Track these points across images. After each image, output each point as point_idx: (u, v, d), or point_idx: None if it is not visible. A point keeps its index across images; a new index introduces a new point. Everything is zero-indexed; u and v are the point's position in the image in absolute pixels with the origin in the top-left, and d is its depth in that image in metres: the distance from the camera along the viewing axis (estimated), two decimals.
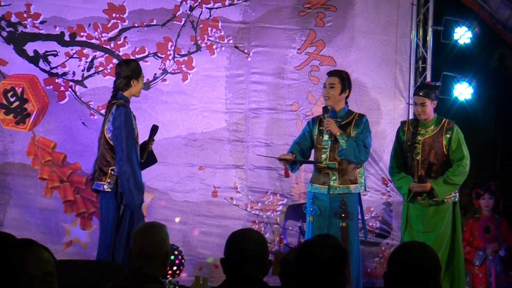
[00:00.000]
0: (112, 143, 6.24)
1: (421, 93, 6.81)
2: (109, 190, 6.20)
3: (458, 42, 8.39)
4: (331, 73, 6.81)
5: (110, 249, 6.18)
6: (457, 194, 6.87)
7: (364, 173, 6.74)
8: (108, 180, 6.21)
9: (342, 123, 6.68)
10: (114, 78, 7.62)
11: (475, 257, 7.97)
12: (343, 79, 6.71)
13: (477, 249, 7.97)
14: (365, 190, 6.83)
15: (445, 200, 6.76)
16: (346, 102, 6.79)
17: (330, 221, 6.52)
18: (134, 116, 6.45)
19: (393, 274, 2.78)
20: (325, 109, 6.70)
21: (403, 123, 7.10)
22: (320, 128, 6.73)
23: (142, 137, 6.56)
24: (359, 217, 6.76)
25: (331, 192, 6.58)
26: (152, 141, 6.50)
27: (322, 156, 6.68)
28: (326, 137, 6.65)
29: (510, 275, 7.89)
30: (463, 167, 6.71)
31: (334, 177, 6.60)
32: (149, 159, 6.56)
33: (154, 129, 6.53)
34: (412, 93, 7.68)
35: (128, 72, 6.40)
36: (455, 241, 6.79)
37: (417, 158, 6.79)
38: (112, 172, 6.21)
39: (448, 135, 6.78)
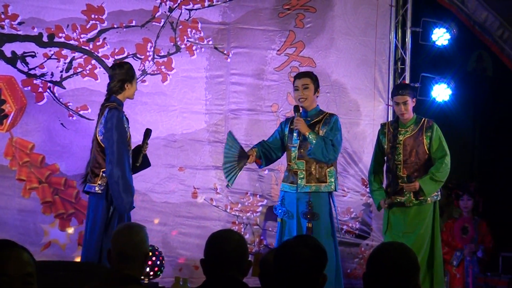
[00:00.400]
0: (103, 146, 6.22)
1: (402, 92, 6.86)
2: (100, 192, 6.19)
3: (436, 44, 8.44)
4: (302, 75, 6.83)
5: (97, 250, 6.17)
6: (439, 193, 6.90)
7: (334, 173, 6.69)
8: (99, 182, 6.20)
9: (312, 122, 6.68)
10: (93, 79, 7.66)
11: (452, 257, 8.02)
12: (314, 79, 6.78)
13: (455, 249, 8.02)
14: (336, 190, 6.74)
15: (428, 199, 6.79)
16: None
17: (298, 221, 6.52)
18: (127, 119, 6.41)
19: (372, 275, 2.79)
20: (296, 108, 6.72)
21: (383, 125, 7.13)
22: (290, 127, 6.76)
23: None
24: (335, 216, 6.73)
25: (298, 191, 6.57)
26: (146, 145, 6.47)
27: (292, 154, 6.70)
28: (295, 135, 6.67)
29: (488, 276, 7.95)
30: (446, 164, 6.76)
31: (301, 176, 6.59)
32: (143, 163, 6.53)
33: (147, 133, 6.49)
34: (391, 94, 7.68)
35: (122, 75, 6.36)
36: (434, 242, 6.82)
37: (399, 159, 6.82)
38: (104, 174, 6.20)
39: (428, 134, 6.82)
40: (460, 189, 7.98)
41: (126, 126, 6.26)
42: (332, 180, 6.61)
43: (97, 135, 6.29)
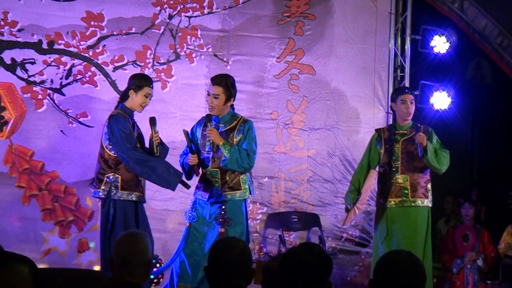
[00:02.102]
0: (108, 152, 6.21)
1: (409, 92, 6.89)
2: (103, 197, 6.20)
3: (436, 51, 8.44)
4: (215, 82, 6.35)
5: (104, 256, 6.17)
6: (431, 199, 6.86)
7: (248, 178, 6.42)
8: (103, 187, 6.20)
9: (226, 128, 6.38)
10: (92, 86, 7.68)
11: (452, 264, 8.01)
12: (227, 88, 6.33)
13: (455, 256, 8.02)
14: (252, 194, 6.50)
15: (422, 204, 6.75)
16: (232, 105, 6.46)
17: (209, 227, 6.30)
18: (134, 125, 6.32)
19: (379, 282, 2.79)
20: (208, 116, 6.40)
21: (378, 130, 7.07)
22: (204, 132, 6.42)
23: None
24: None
25: (214, 200, 6.33)
26: (155, 133, 6.34)
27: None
28: (208, 143, 6.36)
29: (488, 284, 7.95)
30: (447, 156, 6.75)
31: (216, 185, 6.33)
32: (161, 151, 6.40)
33: (152, 121, 6.37)
34: (392, 97, 7.51)
35: (129, 83, 6.33)
36: (425, 248, 6.79)
37: (397, 161, 6.78)
38: (107, 179, 6.19)
39: (429, 140, 6.80)
40: (461, 196, 7.98)
41: (127, 125, 6.20)
42: (247, 186, 6.36)
43: (102, 141, 6.28)
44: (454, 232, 8.09)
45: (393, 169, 6.79)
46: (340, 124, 8.25)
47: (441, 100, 8.35)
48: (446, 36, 8.39)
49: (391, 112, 7.89)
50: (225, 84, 6.33)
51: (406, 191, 6.75)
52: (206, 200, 6.33)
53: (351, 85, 8.31)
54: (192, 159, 6.33)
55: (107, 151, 6.20)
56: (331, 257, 3.15)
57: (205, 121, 6.43)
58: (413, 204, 6.75)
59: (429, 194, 6.81)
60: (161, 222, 7.72)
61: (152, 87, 6.32)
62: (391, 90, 8.30)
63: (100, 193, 6.21)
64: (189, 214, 6.36)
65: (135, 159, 6.09)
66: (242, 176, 6.37)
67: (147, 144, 6.39)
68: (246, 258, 3.49)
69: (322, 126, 8.22)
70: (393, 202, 6.76)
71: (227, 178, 6.33)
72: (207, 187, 6.36)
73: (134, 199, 6.19)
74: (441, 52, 8.44)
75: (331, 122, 8.23)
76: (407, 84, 8.38)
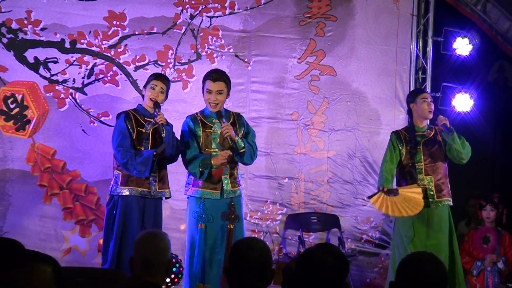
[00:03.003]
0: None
1: (425, 91, 6.88)
2: (109, 193, 6.30)
3: (458, 53, 8.40)
4: (215, 78, 6.29)
5: (106, 253, 6.22)
6: (450, 199, 6.84)
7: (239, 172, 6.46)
8: (111, 184, 6.30)
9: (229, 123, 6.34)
10: (114, 86, 7.71)
11: (472, 266, 7.97)
12: (228, 83, 6.35)
13: (475, 259, 7.97)
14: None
15: (446, 204, 6.74)
16: None
17: (223, 224, 6.22)
18: (141, 120, 6.36)
19: (401, 284, 2.78)
20: (218, 113, 6.31)
21: (395, 133, 6.99)
22: (206, 131, 6.35)
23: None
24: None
25: (224, 197, 6.28)
26: (160, 114, 6.22)
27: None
28: (217, 140, 6.29)
29: (509, 287, 7.89)
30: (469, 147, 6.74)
31: (226, 181, 6.29)
32: (167, 131, 6.24)
33: (156, 104, 6.32)
34: (409, 99, 7.43)
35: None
36: (453, 249, 6.77)
37: (420, 163, 6.77)
38: (113, 176, 6.29)
39: (441, 138, 6.80)
40: (483, 199, 7.93)
41: (129, 127, 6.24)
42: (241, 181, 6.48)
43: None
44: (474, 234, 8.05)
45: (417, 170, 6.77)
46: (361, 125, 8.23)
47: (463, 102, 8.32)
48: (468, 38, 8.35)
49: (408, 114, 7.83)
50: (225, 79, 6.35)
51: (432, 192, 6.74)
52: (218, 198, 6.27)
53: (372, 87, 8.29)
54: (225, 156, 6.18)
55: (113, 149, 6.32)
56: (348, 258, 3.14)
57: (199, 117, 6.39)
58: (439, 204, 6.75)
59: (450, 193, 6.83)
60: (181, 222, 7.73)
61: (158, 80, 6.36)
62: None
63: (109, 190, 6.32)
64: (203, 216, 6.25)
65: (119, 159, 6.17)
66: (238, 171, 6.41)
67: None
68: (266, 259, 3.48)
69: (342, 127, 8.21)
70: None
71: (235, 173, 6.34)
72: (217, 185, 6.29)
73: (134, 194, 6.20)
74: (464, 54, 8.41)
75: (351, 123, 8.21)
76: (428, 86, 8.35)
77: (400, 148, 6.86)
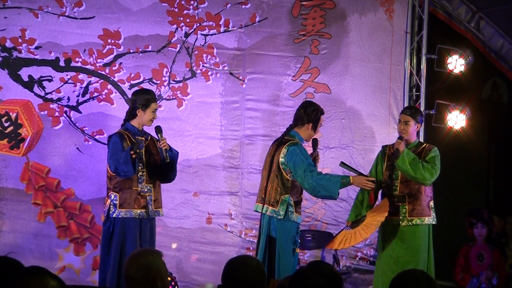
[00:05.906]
0: (109, 170, 6.34)
1: (407, 112, 6.79)
2: (105, 214, 6.30)
3: (452, 71, 8.42)
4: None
5: (103, 272, 6.22)
6: (434, 218, 6.77)
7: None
8: (106, 205, 6.30)
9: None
10: (108, 104, 7.72)
11: (469, 284, 7.95)
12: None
13: (471, 276, 7.96)
14: None
15: (422, 223, 6.68)
16: None
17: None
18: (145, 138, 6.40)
19: None
20: (157, 128, 6.42)
21: (384, 147, 7.00)
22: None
23: None
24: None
25: None
26: (163, 140, 6.29)
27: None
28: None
29: None
30: (433, 169, 6.62)
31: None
32: (171, 157, 6.37)
33: (158, 129, 6.37)
34: None
35: (134, 102, 6.39)
36: (428, 267, 6.72)
37: (397, 178, 6.72)
38: (109, 198, 6.28)
39: (426, 155, 6.71)
40: (473, 217, 7.90)
41: (123, 145, 6.24)
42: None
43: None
44: (469, 252, 8.04)
45: (393, 187, 6.74)
46: (355, 142, 8.24)
47: (457, 119, 8.33)
48: (462, 56, 8.37)
49: None
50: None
51: (404, 210, 6.68)
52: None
53: (366, 104, 8.30)
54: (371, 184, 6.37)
55: (108, 169, 6.28)
56: (342, 276, 3.13)
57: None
58: (410, 223, 6.67)
59: (432, 212, 6.74)
60: (175, 240, 7.73)
61: (157, 100, 6.42)
62: None
63: (104, 210, 6.31)
64: (298, 240, 6.30)
65: (112, 169, 6.21)
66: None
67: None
68: (260, 277, 3.48)
69: (337, 145, 8.22)
70: (390, 220, 6.68)
71: None
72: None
73: (134, 216, 6.21)
74: (457, 72, 8.42)
75: (346, 141, 8.22)
76: (422, 103, 8.36)
77: (382, 163, 6.84)
